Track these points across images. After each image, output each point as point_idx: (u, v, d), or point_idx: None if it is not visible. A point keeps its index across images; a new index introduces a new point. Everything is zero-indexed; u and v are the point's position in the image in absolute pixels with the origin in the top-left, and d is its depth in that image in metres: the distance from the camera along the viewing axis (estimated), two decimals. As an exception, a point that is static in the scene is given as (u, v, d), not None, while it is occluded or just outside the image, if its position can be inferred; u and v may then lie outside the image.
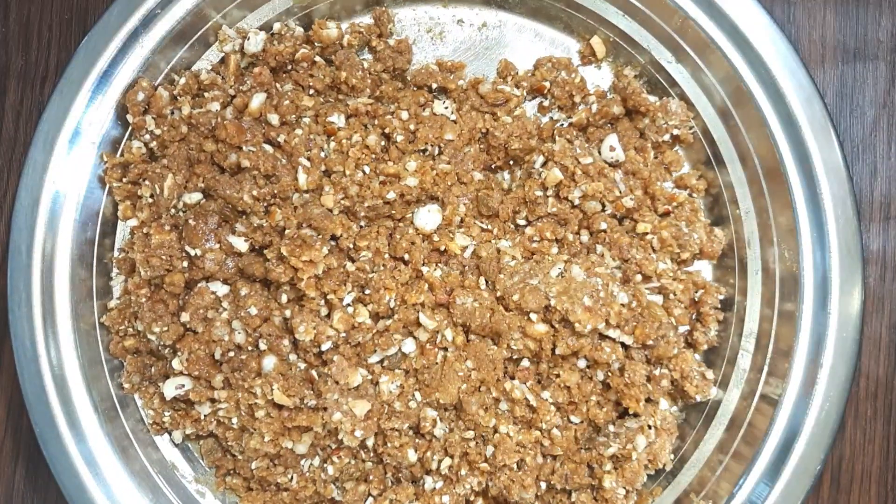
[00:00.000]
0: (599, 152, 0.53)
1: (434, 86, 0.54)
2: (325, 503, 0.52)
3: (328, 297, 0.51)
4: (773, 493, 0.49)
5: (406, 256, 0.51)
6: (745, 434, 0.51)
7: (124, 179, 0.53)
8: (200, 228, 0.51)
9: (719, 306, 0.53)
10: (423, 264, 0.51)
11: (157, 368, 0.53)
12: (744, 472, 0.49)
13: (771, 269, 0.51)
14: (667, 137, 0.54)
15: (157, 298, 0.52)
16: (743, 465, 0.49)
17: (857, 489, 0.54)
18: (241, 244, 0.51)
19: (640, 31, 0.53)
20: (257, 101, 0.52)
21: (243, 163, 0.51)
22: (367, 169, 0.52)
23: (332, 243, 0.52)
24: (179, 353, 0.51)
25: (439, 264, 0.52)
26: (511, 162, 0.54)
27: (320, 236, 0.51)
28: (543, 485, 0.52)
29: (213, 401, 0.52)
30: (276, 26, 0.54)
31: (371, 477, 0.52)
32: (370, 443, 0.51)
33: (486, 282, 0.51)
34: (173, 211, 0.53)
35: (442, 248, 0.51)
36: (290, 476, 0.52)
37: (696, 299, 0.53)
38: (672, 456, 0.53)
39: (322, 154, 0.53)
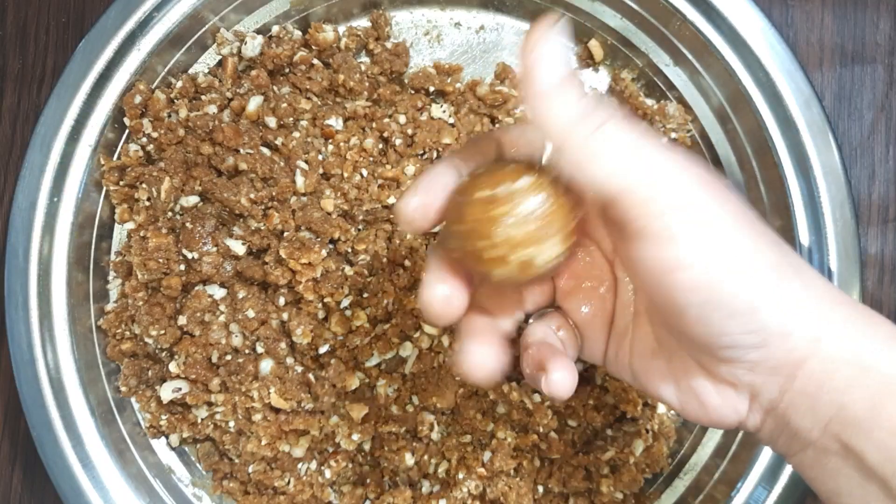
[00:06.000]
0: (597, 155, 0.53)
1: (432, 88, 0.54)
2: (322, 507, 0.52)
3: (326, 300, 0.51)
4: (772, 496, 0.48)
5: (406, 262, 0.51)
6: (743, 438, 0.50)
7: (121, 182, 0.53)
8: (198, 231, 0.51)
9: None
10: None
11: (154, 372, 0.53)
12: (741, 476, 0.49)
13: (769, 272, 0.51)
14: (665, 140, 0.54)
15: (155, 302, 0.52)
16: (741, 469, 0.49)
17: (855, 493, 0.54)
18: (238, 247, 0.51)
19: (637, 35, 0.53)
20: (254, 104, 0.52)
21: (241, 166, 0.51)
22: (364, 172, 0.52)
23: (331, 246, 0.52)
24: (177, 357, 0.51)
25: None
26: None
27: (319, 239, 0.51)
28: (541, 489, 0.51)
29: (209, 404, 0.51)
30: (274, 29, 0.53)
31: (368, 480, 0.51)
32: (367, 446, 0.51)
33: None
34: (170, 214, 0.52)
35: None
36: (287, 480, 0.52)
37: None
38: (669, 460, 0.53)
39: (320, 157, 0.52)
